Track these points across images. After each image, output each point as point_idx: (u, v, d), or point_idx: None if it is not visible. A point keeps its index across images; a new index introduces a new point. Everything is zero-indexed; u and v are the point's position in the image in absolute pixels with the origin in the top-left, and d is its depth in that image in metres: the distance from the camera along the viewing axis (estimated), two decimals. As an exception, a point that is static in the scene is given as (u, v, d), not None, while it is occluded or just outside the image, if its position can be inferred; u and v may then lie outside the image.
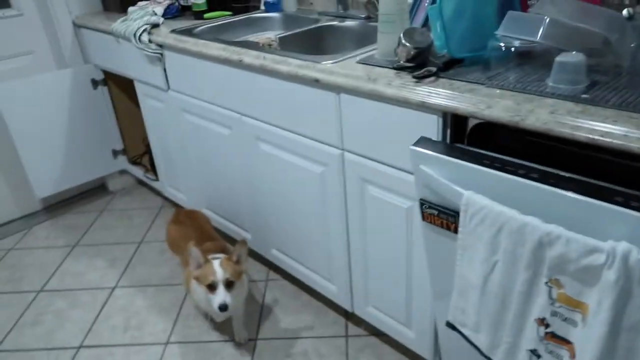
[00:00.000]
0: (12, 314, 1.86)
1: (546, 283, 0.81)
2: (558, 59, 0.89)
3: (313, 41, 1.69)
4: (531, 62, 1.02)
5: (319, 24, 1.71)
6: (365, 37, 1.61)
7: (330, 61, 1.24)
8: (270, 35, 1.61)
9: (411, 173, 1.15)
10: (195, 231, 1.74)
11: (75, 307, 1.86)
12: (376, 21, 1.61)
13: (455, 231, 0.98)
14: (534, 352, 0.88)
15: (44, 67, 2.28)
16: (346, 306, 1.57)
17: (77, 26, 2.27)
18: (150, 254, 2.12)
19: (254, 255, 2.05)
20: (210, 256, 1.50)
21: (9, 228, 2.36)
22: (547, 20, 0.92)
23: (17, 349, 1.69)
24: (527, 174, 0.82)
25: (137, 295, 1.90)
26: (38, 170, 2.27)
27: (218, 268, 1.42)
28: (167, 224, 1.78)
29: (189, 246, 1.43)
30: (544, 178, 0.80)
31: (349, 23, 1.68)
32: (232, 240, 1.96)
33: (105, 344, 1.69)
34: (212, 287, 1.41)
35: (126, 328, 1.74)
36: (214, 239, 1.75)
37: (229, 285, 1.41)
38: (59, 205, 2.52)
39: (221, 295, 1.39)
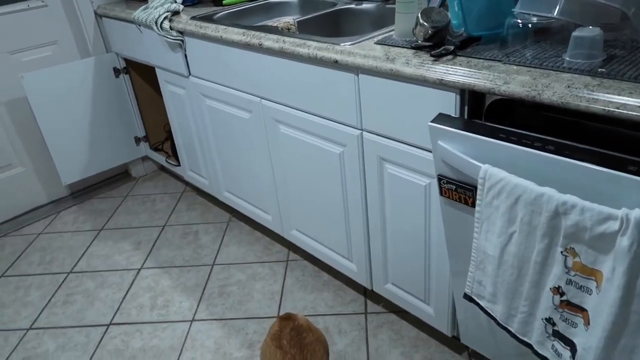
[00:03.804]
0: (44, 294, 1.94)
1: (562, 252, 0.84)
2: (575, 33, 0.90)
3: (331, 25, 1.71)
4: (548, 38, 1.03)
5: (336, 8, 1.73)
6: (382, 20, 1.62)
7: (349, 42, 1.26)
8: (288, 20, 1.64)
9: (429, 150, 1.17)
10: None
11: (104, 287, 1.94)
12: (393, 4, 1.63)
13: (473, 205, 1.01)
14: (549, 320, 0.91)
15: (68, 57, 2.34)
16: (365, 284, 1.61)
17: (98, 16, 2.33)
18: (173, 237, 2.19)
19: (275, 236, 2.10)
20: None
21: (38, 213, 2.45)
22: (564, -4, 0.93)
23: (50, 326, 1.78)
24: (543, 146, 0.84)
25: (162, 275, 1.96)
26: (64, 157, 2.34)
27: None
28: (267, 335, 1.25)
29: None
30: (560, 149, 0.82)
31: (365, 6, 1.70)
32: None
33: (133, 321, 1.76)
34: None
35: (153, 306, 1.81)
36: None
37: None
38: (84, 191, 2.60)
39: None
